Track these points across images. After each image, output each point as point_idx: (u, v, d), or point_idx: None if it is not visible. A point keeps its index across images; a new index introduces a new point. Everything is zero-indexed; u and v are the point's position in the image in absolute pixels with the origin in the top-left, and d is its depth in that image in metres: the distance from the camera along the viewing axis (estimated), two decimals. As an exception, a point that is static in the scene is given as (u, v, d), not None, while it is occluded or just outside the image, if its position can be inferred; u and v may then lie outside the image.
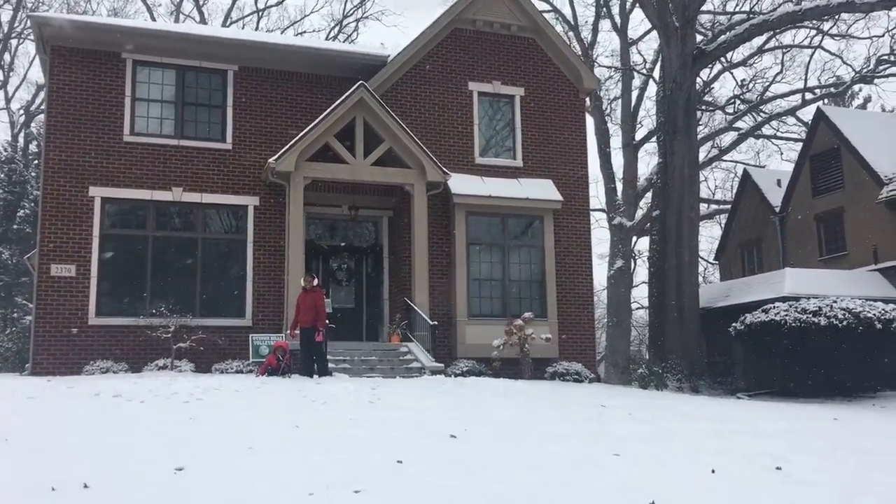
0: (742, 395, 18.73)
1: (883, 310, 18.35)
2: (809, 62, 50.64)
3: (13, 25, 39.16)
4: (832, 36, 31.78)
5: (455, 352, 17.43)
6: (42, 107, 32.96)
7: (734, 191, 37.38)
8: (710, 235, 44.15)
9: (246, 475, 6.43)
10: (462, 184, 18.29)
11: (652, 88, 35.82)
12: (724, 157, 38.30)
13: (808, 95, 33.77)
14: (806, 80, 33.99)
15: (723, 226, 36.62)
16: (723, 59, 31.49)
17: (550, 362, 17.64)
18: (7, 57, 40.56)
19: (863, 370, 18.86)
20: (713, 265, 41.95)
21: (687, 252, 21.79)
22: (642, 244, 38.99)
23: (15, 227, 32.49)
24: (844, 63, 33.60)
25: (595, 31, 34.51)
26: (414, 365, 15.81)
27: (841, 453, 8.92)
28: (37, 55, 23.92)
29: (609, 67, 36.69)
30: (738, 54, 33.34)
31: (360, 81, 17.40)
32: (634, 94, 34.36)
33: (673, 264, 21.60)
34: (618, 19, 33.83)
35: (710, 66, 29.73)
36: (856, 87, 36.47)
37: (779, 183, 29.87)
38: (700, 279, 27.73)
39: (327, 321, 14.78)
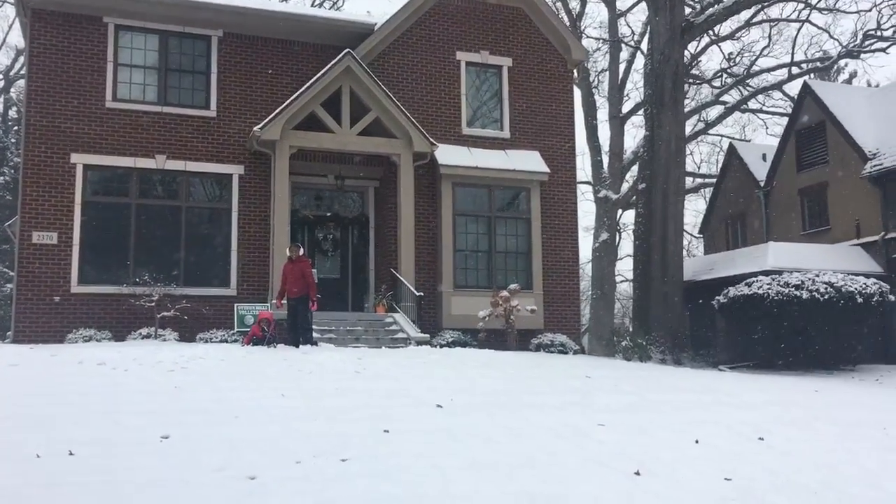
0: (724, 368, 18.89)
1: (864, 284, 18.52)
2: (797, 36, 51.05)
3: (-9, -12, 38.37)
4: (819, 10, 31.69)
5: (440, 322, 17.45)
6: (22, 72, 32.46)
7: (719, 165, 37.50)
8: (694, 209, 44.32)
9: (232, 443, 6.43)
10: (449, 154, 18.21)
11: (639, 61, 35.75)
12: (710, 131, 38.39)
13: (795, 70, 33.76)
14: (793, 54, 33.98)
15: (707, 200, 36.76)
16: (710, 31, 31.37)
17: (535, 334, 17.70)
18: (-14, 21, 39.85)
19: (843, 343, 19.08)
20: (697, 239, 42.12)
21: (672, 225, 21.85)
22: (627, 217, 39.08)
23: (-5, 194, 32.13)
24: (831, 37, 33.53)
25: (583, 1, 34.27)
26: (400, 336, 15.81)
27: (821, 424, 9.04)
28: (16, 18, 23.48)
29: (597, 39, 36.54)
30: (725, 27, 33.29)
31: (347, 50, 17.22)
32: (622, 67, 34.24)
33: (658, 237, 21.66)
34: (606, -11, 33.57)
35: (697, 38, 29.63)
36: (842, 62, 36.52)
37: (764, 157, 29.92)
38: (684, 252, 27.90)
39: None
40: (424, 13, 18.96)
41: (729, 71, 34.95)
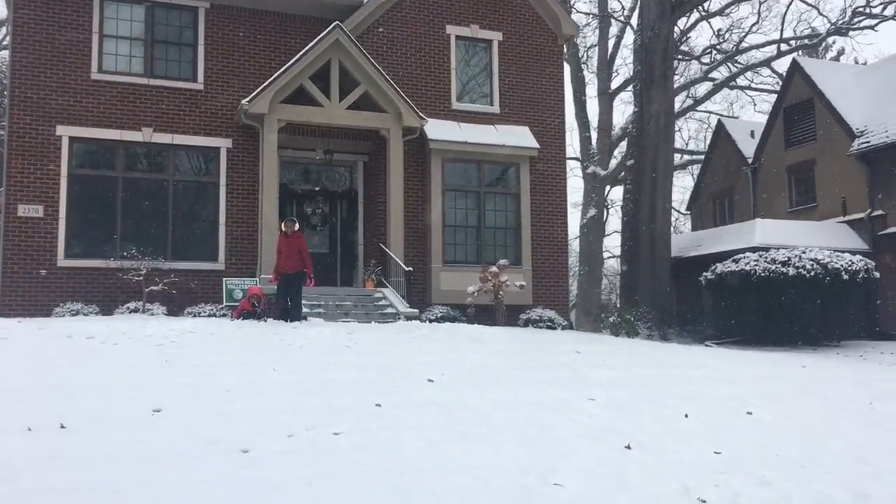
0: (710, 343, 19.05)
1: (850, 261, 18.68)
2: (786, 13, 50.99)
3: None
4: (809, -14, 31.65)
5: (429, 298, 17.47)
6: (6, 42, 31.97)
7: (707, 141, 37.54)
8: (682, 186, 44.44)
9: (225, 417, 6.43)
10: (438, 129, 18.12)
11: (629, 37, 35.72)
12: (699, 108, 38.39)
13: (784, 47, 33.73)
14: (782, 30, 33.95)
15: (695, 176, 36.84)
16: (700, 7, 31.31)
17: (524, 309, 17.75)
18: (-34, -10, 39.12)
19: (829, 319, 19.27)
20: (685, 215, 42.28)
21: (660, 202, 21.93)
22: (615, 193, 39.18)
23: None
24: (820, 14, 33.72)
25: (573, -25, 34.03)
26: (389, 310, 15.82)
27: (809, 399, 9.14)
28: (-1, -12, 23.06)
29: (586, 14, 36.35)
30: (715, 3, 33.26)
31: (336, 22, 17.03)
32: (611, 42, 34.08)
33: (646, 214, 21.74)
34: (597, -37, 33.34)
35: (687, 14, 29.55)
36: (830, 40, 36.52)
37: (752, 134, 29.97)
38: (672, 229, 27.98)
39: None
40: (414, -14, 18.77)
41: (718, 47, 34.89)
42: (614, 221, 42.05)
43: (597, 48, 34.14)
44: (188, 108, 17.11)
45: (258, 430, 6.12)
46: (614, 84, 34.09)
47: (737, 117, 39.19)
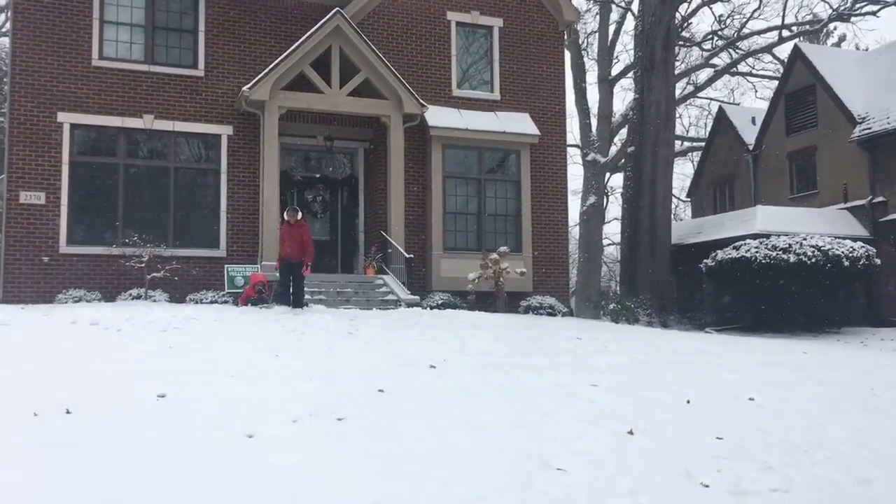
0: (710, 330, 19.10)
1: (851, 248, 18.69)
2: (787, -1, 50.55)
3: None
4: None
5: (430, 285, 17.49)
6: (6, 29, 31.89)
7: (708, 128, 37.48)
8: (682, 173, 44.37)
9: (228, 402, 6.46)
10: (439, 116, 18.09)
11: (629, 23, 35.50)
12: (700, 94, 38.29)
13: (785, 33, 33.59)
14: (783, 16, 33.77)
15: (696, 163, 36.82)
16: (702, -7, 31.19)
17: (524, 296, 17.78)
18: (-35, -24, 38.93)
19: (830, 306, 19.30)
20: (685, 202, 42.26)
21: (661, 189, 21.92)
22: (616, 181, 39.16)
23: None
24: (822, 0, 33.37)
25: (574, -39, 33.84)
26: (390, 297, 15.85)
27: (810, 385, 9.18)
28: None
29: (587, 0, 36.13)
30: (717, -12, 32.98)
31: (337, 9, 16.98)
32: (612, 29, 33.96)
33: (646, 201, 21.73)
34: (598, -51, 33.19)
35: (688, 0, 29.44)
36: (832, 26, 36.40)
37: (753, 121, 29.92)
38: (672, 216, 27.98)
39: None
40: (415, -28, 18.70)
41: (719, 33, 34.77)
42: (614, 209, 42.11)
43: (597, 34, 34.01)
44: (189, 95, 17.08)
45: (263, 415, 6.15)
46: (615, 71, 33.99)
47: (738, 104, 39.09)
